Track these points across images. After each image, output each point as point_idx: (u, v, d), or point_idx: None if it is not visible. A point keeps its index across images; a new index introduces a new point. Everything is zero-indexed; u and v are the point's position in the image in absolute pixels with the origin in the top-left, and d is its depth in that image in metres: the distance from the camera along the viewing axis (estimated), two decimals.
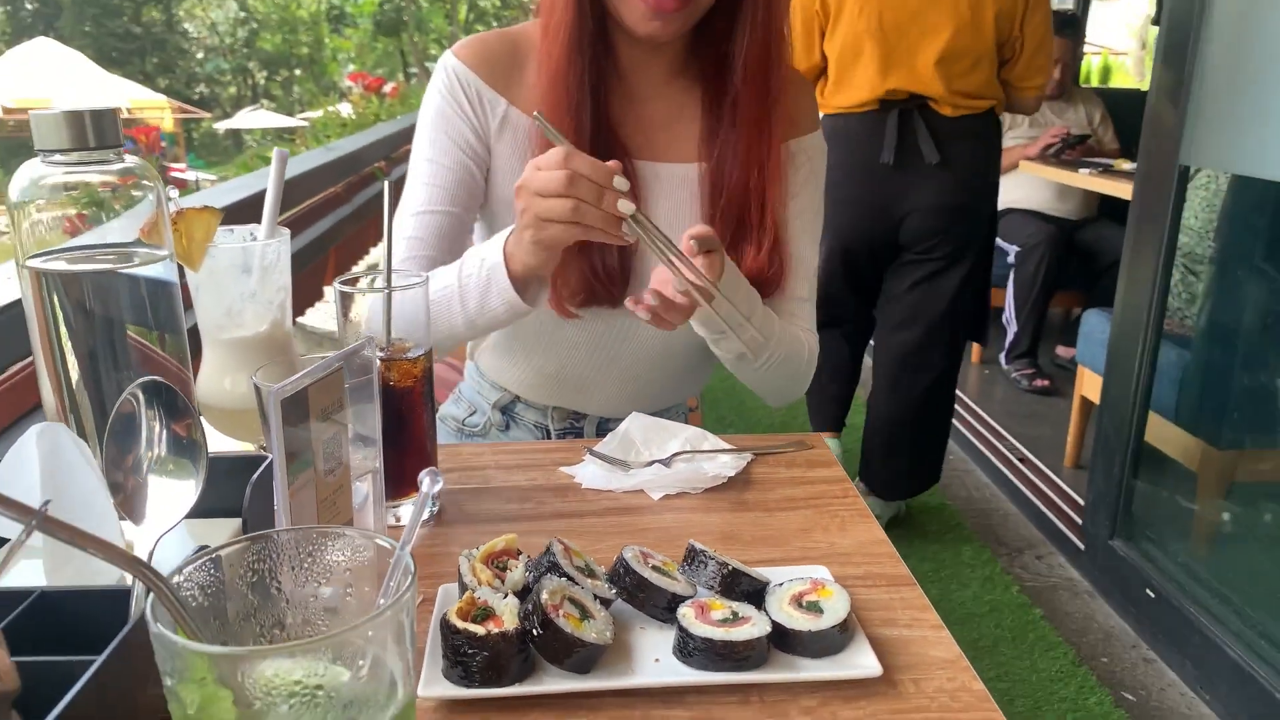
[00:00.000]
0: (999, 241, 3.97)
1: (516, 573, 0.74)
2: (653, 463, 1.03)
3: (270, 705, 0.42)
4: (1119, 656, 2.32)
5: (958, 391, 3.83)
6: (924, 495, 2.98)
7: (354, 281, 0.89)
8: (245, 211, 1.60)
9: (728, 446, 1.07)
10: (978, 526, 2.97)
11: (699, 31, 1.16)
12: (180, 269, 0.81)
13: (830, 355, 1.27)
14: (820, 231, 1.28)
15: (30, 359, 1.10)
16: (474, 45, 1.19)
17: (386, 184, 0.92)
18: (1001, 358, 4.11)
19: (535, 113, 0.94)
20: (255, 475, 0.70)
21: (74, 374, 0.72)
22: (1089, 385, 3.01)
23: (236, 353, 0.89)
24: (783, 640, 0.70)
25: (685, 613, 0.70)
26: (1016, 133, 4.08)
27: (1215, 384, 2.41)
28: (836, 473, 1.05)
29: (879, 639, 0.73)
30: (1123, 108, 4.08)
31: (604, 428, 1.27)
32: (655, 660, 0.70)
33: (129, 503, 0.56)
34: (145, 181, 0.75)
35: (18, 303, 1.08)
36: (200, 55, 28.21)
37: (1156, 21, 2.51)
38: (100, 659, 0.48)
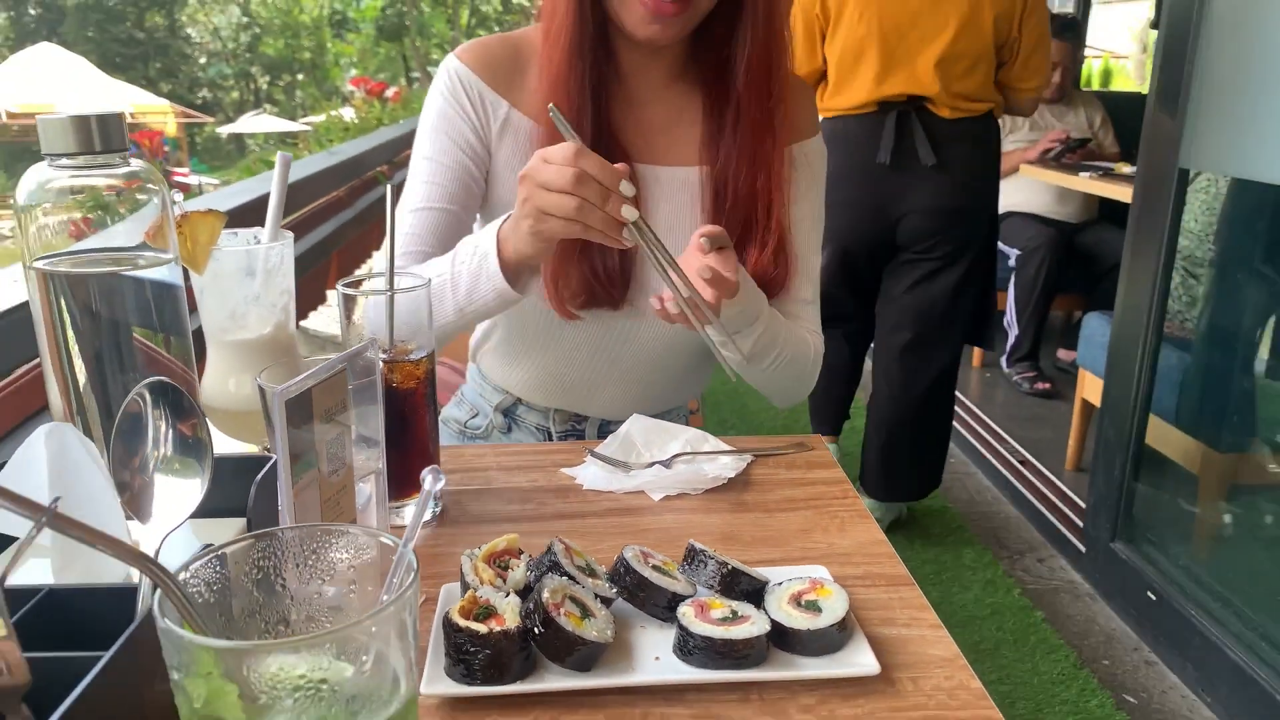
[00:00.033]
0: (1000, 245, 3.98)
1: (518, 572, 0.74)
2: (653, 464, 1.03)
3: (275, 699, 0.43)
4: (1120, 659, 2.32)
5: (959, 395, 3.84)
6: (925, 498, 2.99)
7: (357, 284, 0.90)
8: (249, 215, 1.61)
9: (728, 448, 1.08)
10: (979, 529, 2.98)
11: (699, 36, 1.17)
12: (185, 272, 0.82)
13: (829, 356, 1.27)
14: (822, 234, 1.29)
15: (36, 361, 1.11)
16: (476, 49, 1.20)
17: (389, 188, 0.92)
18: (1002, 361, 4.11)
19: (550, 105, 0.94)
20: (260, 475, 0.70)
21: (81, 376, 0.73)
22: (1090, 388, 3.01)
23: (240, 355, 0.90)
24: (782, 639, 0.71)
25: (685, 611, 0.71)
26: (1017, 136, 4.08)
27: (1215, 387, 2.41)
28: (836, 474, 1.06)
29: (877, 638, 0.74)
30: (1123, 111, 4.08)
31: (605, 430, 1.28)
32: (655, 658, 0.70)
33: (135, 501, 0.56)
34: (150, 185, 0.75)
35: (24, 305, 1.09)
36: (203, 60, 28.29)
37: (1156, 25, 2.52)
38: (108, 655, 0.49)
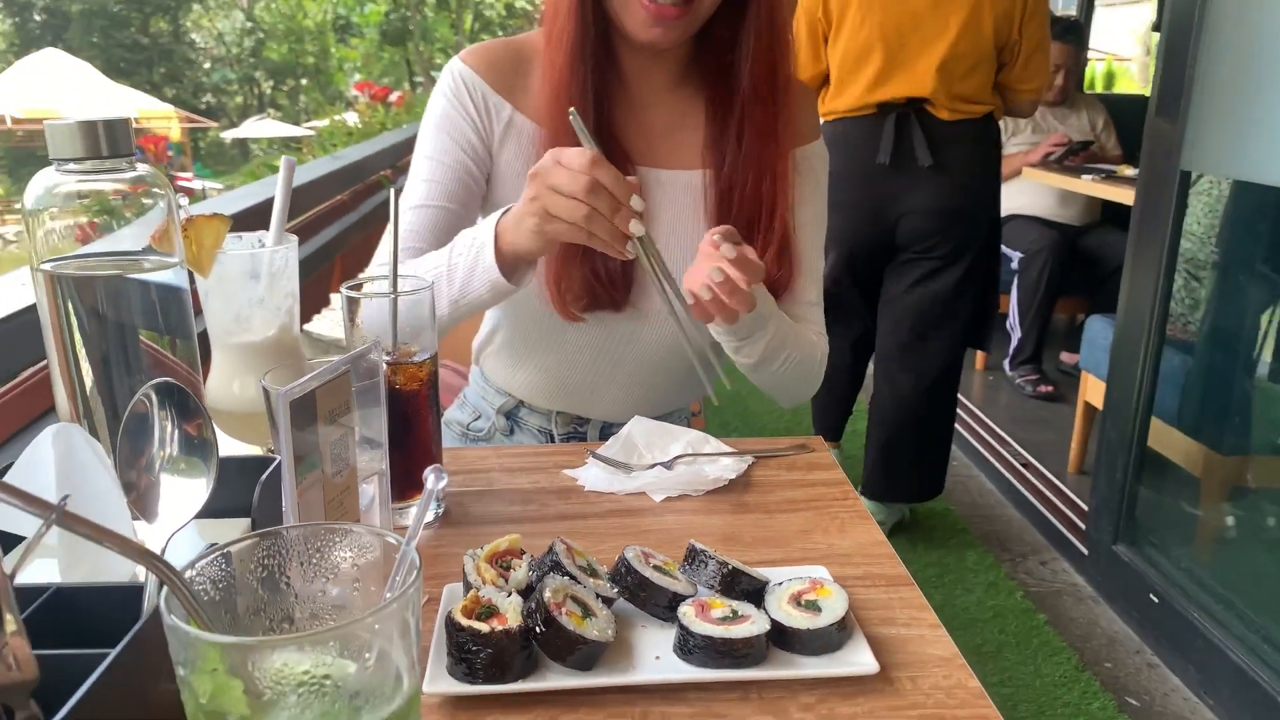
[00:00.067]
0: (1003, 247, 3.98)
1: (520, 572, 0.75)
2: (654, 465, 1.04)
3: (280, 695, 0.43)
4: (1122, 662, 2.32)
5: (962, 398, 3.84)
6: (928, 501, 2.99)
7: (360, 287, 0.91)
8: (253, 219, 1.62)
9: (729, 449, 1.08)
10: (982, 532, 2.98)
11: (701, 39, 1.18)
12: (190, 275, 0.83)
13: (832, 358, 1.29)
14: (824, 237, 1.30)
15: (43, 363, 1.12)
16: (480, 52, 1.21)
17: (393, 192, 0.93)
18: (1005, 364, 4.11)
19: (571, 111, 0.95)
20: (264, 476, 0.71)
21: (88, 378, 0.73)
22: (1092, 391, 3.01)
23: (245, 357, 0.91)
24: (781, 638, 0.71)
25: (686, 611, 0.72)
26: (1019, 139, 4.09)
27: (1218, 389, 2.42)
28: (837, 475, 1.06)
29: (877, 637, 0.74)
30: (1126, 114, 4.09)
31: (607, 432, 1.29)
32: (656, 658, 0.71)
33: (142, 501, 0.57)
34: (156, 189, 0.76)
35: (31, 308, 1.10)
36: (207, 65, 28.37)
37: (1158, 28, 2.52)
38: (114, 652, 0.50)
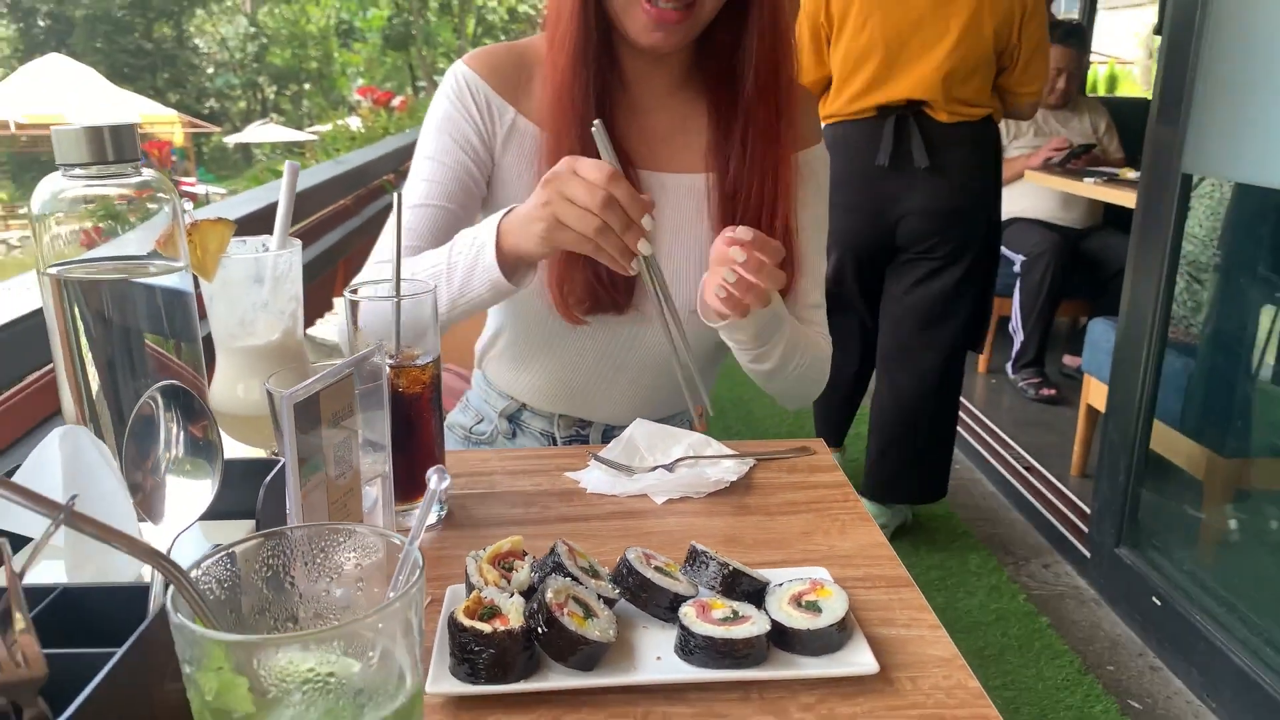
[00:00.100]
0: (1005, 250, 3.99)
1: (522, 573, 0.75)
2: (656, 468, 1.04)
3: (284, 693, 0.44)
4: (1125, 664, 2.32)
5: (965, 401, 3.85)
6: (930, 504, 2.99)
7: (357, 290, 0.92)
8: (257, 223, 1.63)
9: (730, 452, 1.09)
10: (984, 535, 2.98)
11: (702, 43, 1.18)
12: (195, 279, 0.84)
13: (834, 360, 1.30)
14: (826, 239, 1.30)
15: (47, 367, 1.13)
16: (484, 56, 1.22)
17: (397, 196, 0.94)
18: (1008, 367, 4.12)
19: (596, 124, 0.95)
20: (268, 478, 0.72)
21: (94, 382, 0.74)
22: (1095, 394, 3.01)
23: (249, 360, 0.92)
24: (782, 639, 0.72)
25: (687, 612, 0.72)
26: (1021, 142, 4.10)
27: (1220, 392, 2.42)
28: (838, 477, 1.06)
29: (877, 638, 0.75)
30: (1128, 116, 4.09)
31: (609, 435, 1.29)
32: (657, 658, 0.71)
33: (148, 502, 0.58)
34: (161, 194, 0.77)
35: (35, 312, 1.10)
36: (210, 70, 28.43)
37: (1159, 31, 2.53)
38: (121, 651, 0.50)
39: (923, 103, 2.53)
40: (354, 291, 0.91)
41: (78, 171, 0.73)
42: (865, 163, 2.59)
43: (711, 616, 0.72)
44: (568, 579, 0.74)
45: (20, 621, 0.42)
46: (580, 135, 1.13)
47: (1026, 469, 3.26)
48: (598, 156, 1.13)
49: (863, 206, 2.64)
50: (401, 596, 0.45)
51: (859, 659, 0.71)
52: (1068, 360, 4.26)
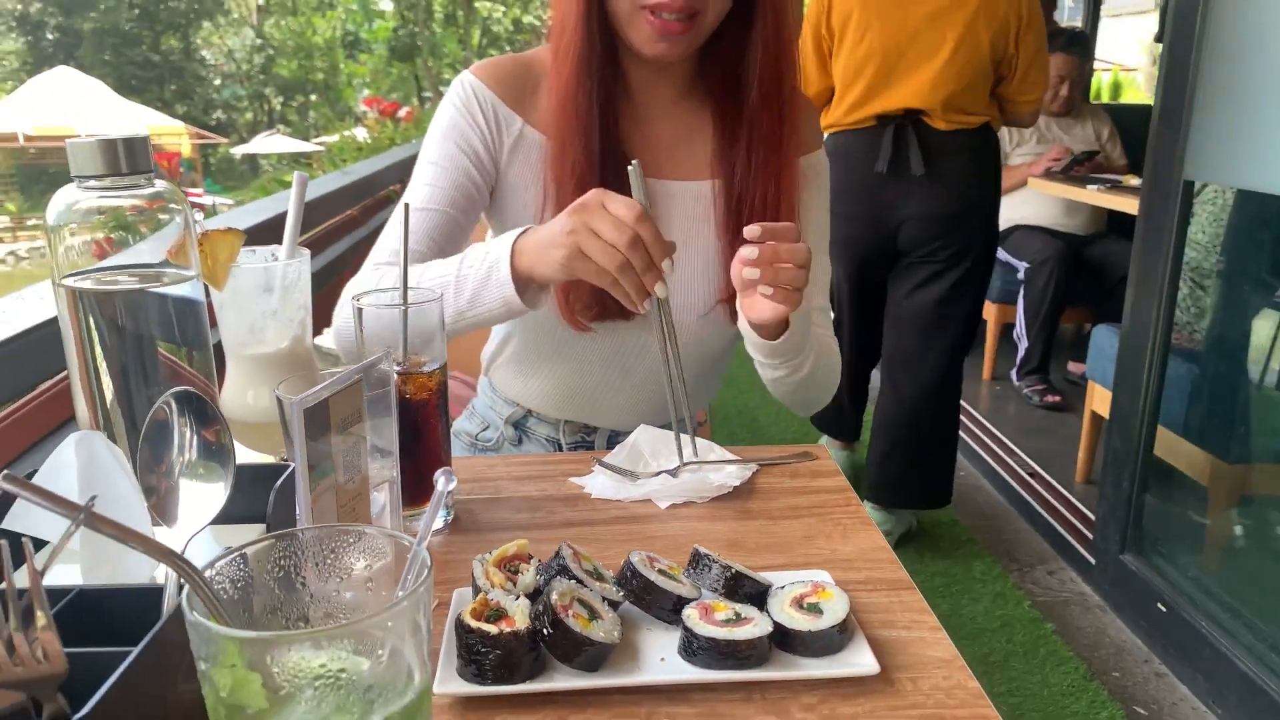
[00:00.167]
0: (1009, 258, 4.00)
1: (528, 576, 0.76)
2: (660, 473, 1.06)
3: (297, 689, 0.45)
4: (1130, 671, 2.32)
5: (970, 408, 3.85)
6: (935, 511, 3.00)
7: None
8: (266, 233, 1.65)
9: (733, 457, 1.10)
10: (989, 542, 2.98)
11: (706, 52, 1.20)
12: (206, 288, 0.85)
13: (845, 362, 1.32)
14: (829, 242, 1.32)
15: (61, 375, 1.14)
16: (490, 66, 1.23)
17: (404, 205, 0.95)
18: (1012, 374, 4.12)
19: (633, 163, 0.97)
20: (278, 482, 0.73)
21: (108, 390, 0.75)
22: (1099, 400, 3.02)
23: (259, 368, 0.93)
24: (784, 640, 0.73)
25: (690, 614, 0.73)
26: (1024, 149, 4.11)
27: (1224, 398, 2.42)
28: (840, 482, 1.07)
29: (878, 640, 0.76)
30: (1131, 123, 4.10)
31: (615, 441, 1.30)
32: (661, 659, 0.72)
33: (162, 505, 0.59)
34: (173, 205, 0.78)
35: (48, 322, 1.12)
36: (217, 82, 28.59)
37: (1160, 39, 2.54)
38: (137, 650, 0.51)
39: (920, 111, 2.56)
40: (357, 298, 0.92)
41: (92, 183, 0.75)
42: (865, 170, 2.63)
43: (714, 618, 0.73)
44: (573, 582, 0.75)
45: (42, 619, 0.43)
46: (585, 145, 1.14)
47: (1031, 475, 3.26)
48: (603, 166, 1.15)
49: (863, 214, 2.68)
50: (410, 595, 0.46)
51: (860, 660, 0.72)
52: (1072, 367, 4.26)
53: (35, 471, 0.68)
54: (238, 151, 24.03)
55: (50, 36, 26.12)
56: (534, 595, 0.75)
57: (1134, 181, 3.66)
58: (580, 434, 1.34)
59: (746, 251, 1.00)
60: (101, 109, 16.11)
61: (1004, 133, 3.97)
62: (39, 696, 0.45)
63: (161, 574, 0.64)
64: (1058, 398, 3.91)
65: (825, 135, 2.62)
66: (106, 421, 0.76)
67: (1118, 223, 3.83)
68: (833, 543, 0.94)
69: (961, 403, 3.02)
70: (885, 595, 0.84)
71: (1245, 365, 2.38)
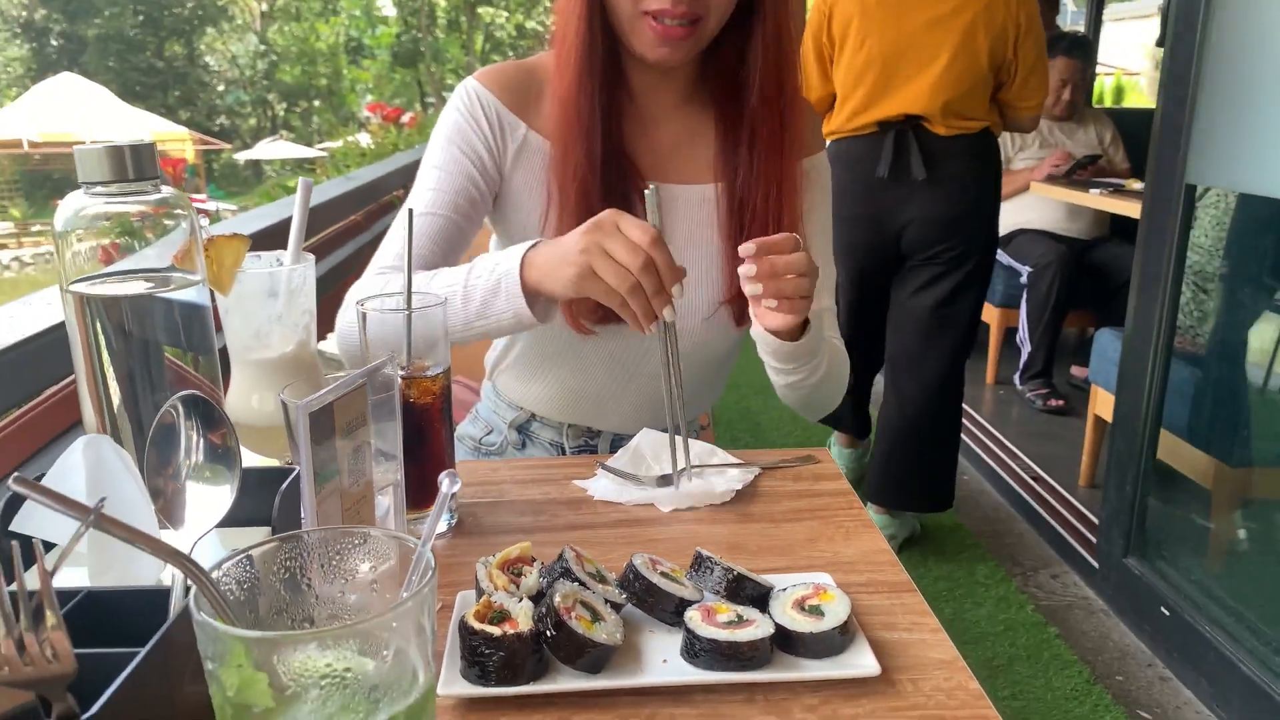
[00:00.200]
0: (1012, 262, 4.00)
1: (531, 578, 0.77)
2: (662, 477, 1.06)
3: (303, 688, 0.45)
4: (1134, 675, 2.32)
5: (973, 411, 3.86)
6: (938, 515, 3.00)
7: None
8: (271, 239, 1.66)
9: (735, 460, 1.10)
10: (992, 546, 2.98)
11: (708, 56, 1.20)
12: (211, 293, 0.86)
13: (853, 364, 1.33)
14: (832, 244, 1.33)
15: (68, 379, 1.15)
16: (494, 73, 1.24)
17: (408, 211, 0.96)
18: (1016, 378, 4.12)
19: (651, 186, 0.98)
20: (283, 486, 0.73)
21: (115, 394, 0.76)
22: (1102, 404, 3.02)
23: (264, 372, 0.94)
24: (785, 642, 0.73)
25: (692, 616, 0.73)
26: (1026, 154, 4.11)
27: (1227, 401, 2.42)
28: (841, 485, 1.08)
29: (879, 641, 0.76)
30: (1134, 127, 4.10)
31: (618, 444, 1.31)
32: (663, 661, 0.73)
33: (169, 508, 0.59)
34: (178, 211, 0.79)
35: (54, 328, 1.13)
36: (221, 88, 28.68)
37: (1161, 43, 2.55)
38: (144, 650, 0.52)
39: (920, 117, 2.58)
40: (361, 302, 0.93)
41: (99, 189, 0.75)
42: (867, 175, 2.65)
43: (716, 620, 0.73)
44: (575, 584, 0.75)
45: (52, 619, 0.44)
46: (588, 149, 1.15)
47: (1034, 479, 3.26)
48: (605, 171, 1.16)
49: (865, 218, 2.70)
50: (415, 595, 0.47)
51: (861, 661, 0.72)
52: (1075, 371, 4.26)
53: (43, 475, 0.68)
54: (241, 157, 24.10)
55: (55, 43, 26.22)
56: (537, 597, 0.75)
57: (1136, 185, 3.67)
58: (584, 438, 1.34)
59: (745, 269, 1.00)
60: (106, 115, 16.16)
61: (1006, 137, 3.97)
62: (48, 696, 0.45)
63: (168, 576, 0.64)
64: (1061, 402, 3.91)
65: (828, 142, 2.64)
66: (113, 425, 0.77)
67: (1120, 227, 3.84)
68: (834, 545, 0.94)
69: (965, 407, 3.03)
70: (886, 597, 0.84)
71: (1248, 369, 2.38)
